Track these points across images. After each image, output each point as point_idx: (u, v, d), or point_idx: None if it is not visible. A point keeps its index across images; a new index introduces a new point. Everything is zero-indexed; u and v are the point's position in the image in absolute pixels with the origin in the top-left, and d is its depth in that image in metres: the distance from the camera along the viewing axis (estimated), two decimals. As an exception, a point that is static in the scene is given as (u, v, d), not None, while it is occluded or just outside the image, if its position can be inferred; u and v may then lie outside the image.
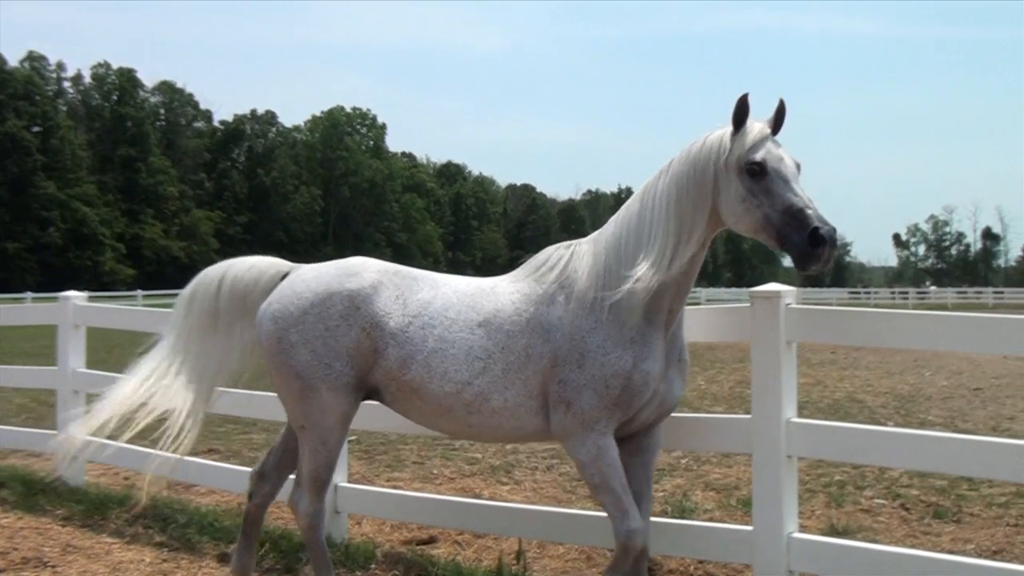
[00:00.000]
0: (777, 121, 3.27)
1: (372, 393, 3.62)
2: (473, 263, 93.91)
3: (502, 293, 3.49)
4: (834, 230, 2.97)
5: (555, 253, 3.53)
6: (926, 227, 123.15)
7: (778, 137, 3.25)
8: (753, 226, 3.13)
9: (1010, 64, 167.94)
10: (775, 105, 3.26)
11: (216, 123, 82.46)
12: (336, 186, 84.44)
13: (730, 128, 3.23)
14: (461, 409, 3.41)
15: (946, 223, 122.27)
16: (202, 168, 77.52)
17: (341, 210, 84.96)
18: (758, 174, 3.11)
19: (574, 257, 3.46)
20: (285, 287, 3.66)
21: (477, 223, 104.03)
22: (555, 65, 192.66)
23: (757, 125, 3.21)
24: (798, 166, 3.19)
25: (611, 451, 3.28)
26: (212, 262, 4.08)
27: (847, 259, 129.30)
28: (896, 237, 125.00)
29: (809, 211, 3.00)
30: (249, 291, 3.80)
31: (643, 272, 3.22)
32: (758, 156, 3.12)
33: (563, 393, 3.27)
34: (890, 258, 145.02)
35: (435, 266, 70.09)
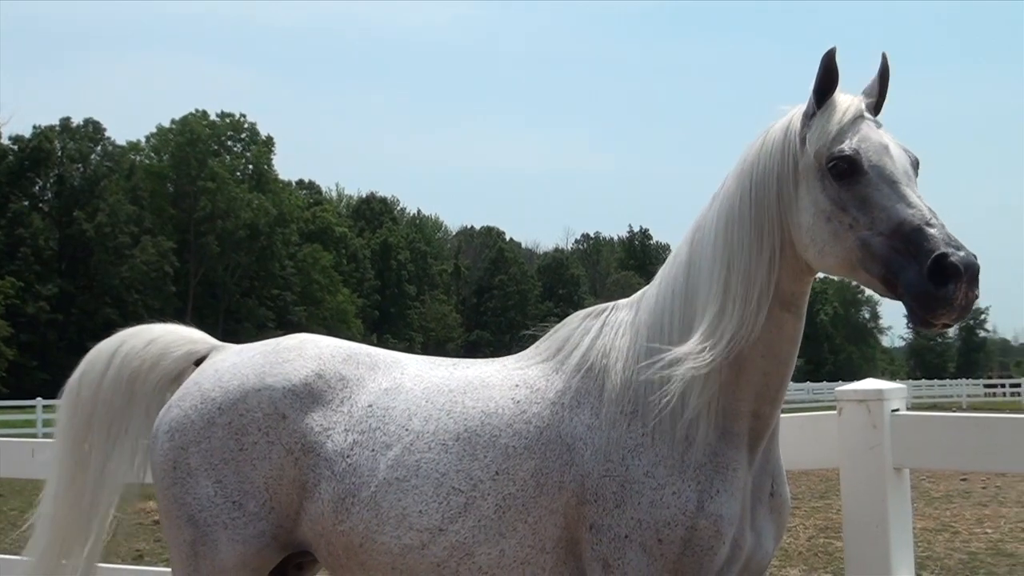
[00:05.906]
0: (880, 91, 3.29)
1: (298, 557, 3.64)
2: (410, 350, 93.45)
3: (498, 387, 3.52)
4: (973, 258, 2.90)
5: (581, 325, 3.58)
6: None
7: (881, 117, 3.26)
8: (844, 259, 3.11)
9: None
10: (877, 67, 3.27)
11: (5, 140, 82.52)
12: (197, 235, 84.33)
13: (802, 107, 3.24)
14: (428, 573, 3.39)
15: None
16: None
17: (206, 272, 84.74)
18: (848, 175, 3.09)
19: (606, 332, 3.48)
20: (191, 382, 3.70)
21: (415, 289, 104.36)
22: (529, 46, 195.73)
23: (846, 99, 3.21)
24: (915, 162, 3.18)
25: None
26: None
27: (981, 334, 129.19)
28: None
29: (931, 229, 2.95)
30: (140, 376, 3.82)
31: (687, 349, 3.20)
32: (847, 146, 3.11)
33: (597, 547, 3.25)
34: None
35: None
